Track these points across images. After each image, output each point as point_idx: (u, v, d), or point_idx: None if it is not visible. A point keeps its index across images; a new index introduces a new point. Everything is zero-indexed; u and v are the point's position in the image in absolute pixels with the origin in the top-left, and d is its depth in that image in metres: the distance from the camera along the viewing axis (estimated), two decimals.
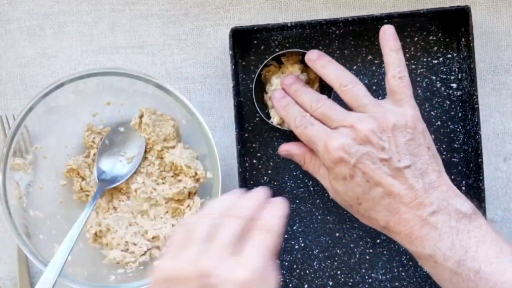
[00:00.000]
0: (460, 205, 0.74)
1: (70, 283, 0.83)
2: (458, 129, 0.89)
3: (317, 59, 0.83)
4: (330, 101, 0.81)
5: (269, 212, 0.65)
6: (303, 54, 0.85)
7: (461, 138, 0.89)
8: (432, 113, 0.89)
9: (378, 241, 0.89)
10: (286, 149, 0.85)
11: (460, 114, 0.89)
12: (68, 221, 0.87)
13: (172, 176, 0.88)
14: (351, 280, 0.89)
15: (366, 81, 0.89)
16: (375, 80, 0.89)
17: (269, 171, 0.90)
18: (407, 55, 0.89)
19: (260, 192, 0.67)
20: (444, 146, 0.89)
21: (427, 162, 0.76)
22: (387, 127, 0.76)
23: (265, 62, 0.87)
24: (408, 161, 0.75)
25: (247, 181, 0.89)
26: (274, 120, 0.87)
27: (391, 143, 0.75)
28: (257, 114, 0.88)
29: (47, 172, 0.88)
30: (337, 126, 0.77)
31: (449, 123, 0.89)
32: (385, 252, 0.89)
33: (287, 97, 0.83)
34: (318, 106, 0.80)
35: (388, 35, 0.80)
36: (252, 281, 0.59)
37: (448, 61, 0.89)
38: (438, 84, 0.89)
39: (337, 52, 0.89)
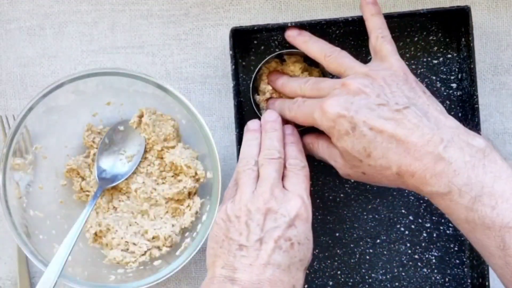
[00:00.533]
0: (472, 139, 0.72)
1: (70, 283, 0.83)
2: None
3: (298, 35, 0.85)
4: (317, 78, 0.83)
5: (293, 149, 0.81)
6: (304, 55, 0.85)
7: None
8: None
9: (378, 241, 0.89)
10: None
11: (460, 114, 0.89)
12: (68, 221, 0.87)
13: (172, 176, 0.88)
14: (351, 280, 0.89)
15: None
16: None
17: None
18: (407, 55, 0.89)
19: (276, 128, 0.81)
20: None
21: (426, 103, 0.76)
22: (377, 77, 0.76)
23: (264, 61, 0.87)
24: (406, 102, 0.74)
25: None
26: None
27: (385, 89, 0.75)
28: (259, 114, 0.88)
29: (47, 172, 0.88)
30: (329, 92, 0.78)
31: None
32: (385, 252, 0.89)
33: (277, 100, 0.86)
34: (307, 84, 0.82)
35: (367, 1, 0.82)
36: (302, 212, 0.74)
37: (448, 61, 0.89)
38: (438, 84, 0.89)
39: None
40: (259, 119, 0.86)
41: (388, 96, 0.75)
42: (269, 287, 0.71)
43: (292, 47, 0.87)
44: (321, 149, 0.82)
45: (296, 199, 0.75)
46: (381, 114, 0.73)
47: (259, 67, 0.87)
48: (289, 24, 0.85)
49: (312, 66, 0.88)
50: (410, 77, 0.78)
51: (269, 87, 0.87)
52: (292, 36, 0.85)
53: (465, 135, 0.72)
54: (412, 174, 0.72)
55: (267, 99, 0.88)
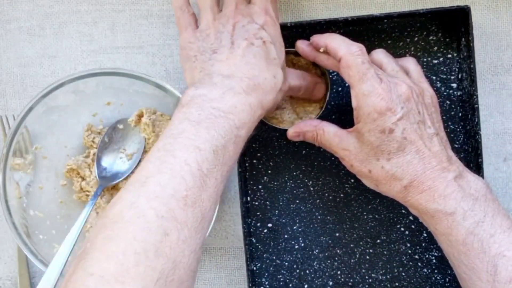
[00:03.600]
0: (474, 183, 0.77)
1: None
2: (458, 129, 0.89)
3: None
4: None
5: None
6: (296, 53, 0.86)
7: (461, 138, 0.89)
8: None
9: (378, 241, 0.89)
10: (297, 130, 0.84)
11: (460, 114, 0.89)
12: (68, 221, 0.87)
13: None
14: (351, 280, 0.89)
15: None
16: None
17: (269, 171, 0.90)
18: (407, 55, 0.89)
19: None
20: None
21: (445, 138, 0.81)
22: (420, 93, 0.79)
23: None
24: (436, 129, 0.78)
25: (247, 181, 0.89)
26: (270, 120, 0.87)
27: (423, 109, 0.78)
28: None
29: (47, 172, 0.88)
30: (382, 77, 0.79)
31: (449, 123, 0.89)
32: (385, 252, 0.89)
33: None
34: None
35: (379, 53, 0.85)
36: (268, 20, 0.80)
37: (448, 61, 0.89)
38: (438, 84, 0.89)
39: None
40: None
41: (425, 116, 0.78)
42: (247, 71, 0.76)
43: (291, 47, 0.87)
44: (327, 135, 0.82)
45: (259, 11, 0.80)
46: (417, 130, 0.77)
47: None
48: (289, 24, 0.85)
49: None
50: (438, 107, 0.82)
51: None
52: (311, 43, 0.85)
53: (470, 175, 0.78)
54: (422, 191, 0.77)
55: None
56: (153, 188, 0.66)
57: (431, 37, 0.89)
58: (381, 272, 0.89)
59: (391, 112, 0.76)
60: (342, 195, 0.89)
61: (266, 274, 0.90)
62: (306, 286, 0.89)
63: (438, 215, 0.76)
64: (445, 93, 0.89)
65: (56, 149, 0.88)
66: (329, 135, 0.82)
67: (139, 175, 0.68)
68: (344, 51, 0.78)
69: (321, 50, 0.81)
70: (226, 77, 0.75)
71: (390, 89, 0.77)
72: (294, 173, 0.90)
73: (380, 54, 0.83)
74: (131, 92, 0.86)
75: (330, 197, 0.90)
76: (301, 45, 0.84)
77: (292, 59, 0.87)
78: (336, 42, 0.80)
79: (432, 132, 0.78)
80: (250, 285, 0.87)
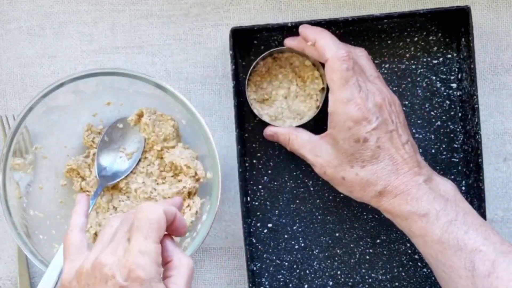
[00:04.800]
0: (443, 185, 0.80)
1: None
2: (458, 129, 0.89)
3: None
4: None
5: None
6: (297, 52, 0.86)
7: (461, 138, 0.89)
8: (432, 113, 0.89)
9: (378, 241, 0.89)
10: (272, 130, 0.86)
11: (460, 114, 0.89)
12: (68, 221, 0.87)
13: (172, 176, 0.88)
14: (351, 280, 0.89)
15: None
16: None
17: (269, 171, 0.90)
18: (407, 55, 0.89)
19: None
20: (444, 146, 0.89)
21: (414, 143, 0.82)
22: (393, 102, 0.81)
23: (260, 57, 0.87)
24: (406, 137, 0.81)
25: (247, 181, 0.89)
26: (265, 118, 0.87)
27: (396, 118, 0.80)
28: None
29: (47, 172, 0.88)
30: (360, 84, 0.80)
31: (449, 123, 0.89)
32: (385, 252, 0.89)
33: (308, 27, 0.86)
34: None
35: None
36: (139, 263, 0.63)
37: (448, 61, 0.89)
38: (438, 84, 0.89)
39: None
40: (259, 119, 0.86)
41: (397, 125, 0.80)
42: None
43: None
44: (299, 140, 0.84)
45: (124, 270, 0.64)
46: (391, 138, 0.79)
47: (255, 62, 0.87)
48: (289, 24, 0.85)
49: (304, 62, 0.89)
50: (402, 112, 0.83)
51: (263, 84, 0.88)
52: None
53: (438, 178, 0.81)
54: (395, 195, 0.79)
55: (263, 100, 0.88)
56: None
57: (431, 37, 0.89)
58: (381, 272, 0.89)
59: (366, 122, 0.78)
60: (342, 195, 0.89)
61: (266, 274, 0.90)
62: (306, 286, 0.89)
63: (412, 217, 0.78)
64: (445, 93, 0.89)
65: (56, 149, 0.88)
66: (302, 140, 0.84)
67: None
68: (332, 54, 0.79)
69: (309, 43, 0.82)
70: None
71: (367, 97, 0.78)
72: (294, 173, 0.90)
73: (362, 60, 0.83)
74: (131, 92, 0.86)
75: (330, 197, 0.90)
76: (289, 41, 0.85)
77: (288, 57, 0.88)
78: (325, 42, 0.80)
79: (404, 140, 0.80)
80: (250, 285, 0.87)
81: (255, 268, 0.89)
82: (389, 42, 0.89)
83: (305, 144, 0.83)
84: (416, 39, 0.89)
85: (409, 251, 0.89)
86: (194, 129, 0.84)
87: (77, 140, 0.89)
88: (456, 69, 0.89)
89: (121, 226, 0.67)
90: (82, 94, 0.85)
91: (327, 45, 0.80)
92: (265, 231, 0.90)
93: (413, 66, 0.89)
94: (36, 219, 0.86)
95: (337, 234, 0.90)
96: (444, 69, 0.89)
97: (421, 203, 0.78)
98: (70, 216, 0.87)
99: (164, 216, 0.65)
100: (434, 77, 0.89)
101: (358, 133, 0.78)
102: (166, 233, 0.67)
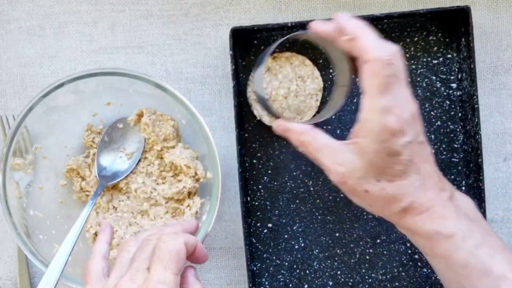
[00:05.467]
0: (465, 202, 0.75)
1: (70, 283, 0.83)
2: (458, 129, 0.89)
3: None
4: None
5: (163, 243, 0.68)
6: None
7: (461, 138, 0.89)
8: (432, 113, 0.89)
9: (378, 241, 0.89)
10: (286, 125, 0.77)
11: (460, 114, 0.89)
12: (68, 221, 0.87)
13: (172, 176, 0.88)
14: (351, 280, 0.89)
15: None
16: None
17: (269, 171, 0.90)
18: (407, 55, 0.89)
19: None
20: (444, 146, 0.89)
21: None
22: (418, 113, 0.72)
23: (275, 45, 0.82)
24: (430, 148, 0.74)
25: (247, 181, 0.89)
26: (264, 120, 0.87)
27: (422, 127, 0.73)
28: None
29: (47, 172, 0.88)
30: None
31: (449, 123, 0.89)
32: (385, 252, 0.89)
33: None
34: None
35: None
36: None
37: (448, 61, 0.89)
38: (438, 84, 0.89)
39: None
40: (254, 117, 0.86)
41: (424, 136, 0.73)
42: None
43: (291, 47, 0.87)
44: (317, 144, 0.75)
45: None
46: (419, 151, 0.72)
47: (270, 51, 0.81)
48: (289, 24, 0.85)
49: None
50: None
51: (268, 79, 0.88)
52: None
53: (457, 192, 0.75)
54: (420, 212, 0.72)
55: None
56: None
57: (431, 37, 0.89)
58: (381, 272, 0.89)
59: (402, 134, 0.70)
60: (342, 195, 0.89)
61: (266, 274, 0.90)
62: (306, 286, 0.89)
63: (436, 237, 0.72)
64: (445, 93, 0.89)
65: (56, 149, 0.88)
66: (320, 144, 0.74)
67: None
68: (374, 56, 0.69)
69: (346, 38, 0.72)
70: None
71: (404, 107, 0.70)
72: (294, 173, 0.90)
73: (400, 62, 0.71)
74: (131, 92, 0.86)
75: (330, 197, 0.90)
76: (318, 26, 0.75)
77: (288, 57, 0.88)
78: (368, 41, 0.70)
79: (429, 151, 0.74)
80: (250, 285, 0.87)
81: (255, 268, 0.90)
82: None
83: (323, 149, 0.74)
84: (416, 39, 0.89)
85: (409, 251, 0.89)
86: (194, 129, 0.84)
87: (77, 140, 0.89)
88: (456, 69, 0.89)
89: (140, 253, 0.67)
90: (82, 94, 0.85)
91: (370, 45, 0.70)
92: (265, 231, 0.90)
93: (413, 66, 0.89)
94: (36, 219, 0.86)
95: (337, 234, 0.90)
96: (444, 69, 0.89)
97: (447, 222, 0.72)
98: (70, 216, 0.88)
99: (185, 248, 0.66)
100: (434, 77, 0.89)
101: (392, 146, 0.70)
102: (188, 264, 0.68)
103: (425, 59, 0.89)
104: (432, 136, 0.89)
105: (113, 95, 0.87)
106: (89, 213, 0.84)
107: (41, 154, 0.87)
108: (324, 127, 0.87)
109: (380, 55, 0.69)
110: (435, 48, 0.89)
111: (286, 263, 0.90)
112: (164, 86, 0.83)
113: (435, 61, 0.89)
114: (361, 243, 0.90)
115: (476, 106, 0.85)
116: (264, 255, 0.90)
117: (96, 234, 0.88)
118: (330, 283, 0.89)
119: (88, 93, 0.86)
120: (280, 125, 0.78)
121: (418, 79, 0.89)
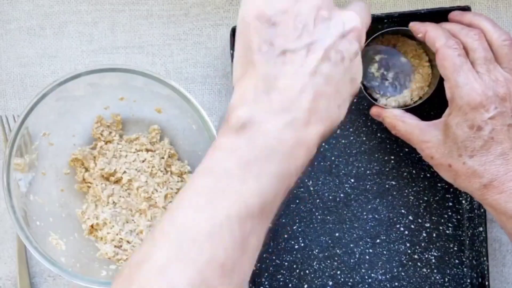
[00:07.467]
0: None
1: (61, 273, 0.82)
2: None
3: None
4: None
5: None
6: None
7: None
8: (431, 113, 0.89)
9: (378, 241, 0.89)
10: (378, 110, 0.86)
11: None
12: (66, 209, 0.87)
13: (177, 181, 0.89)
14: (351, 280, 0.89)
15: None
16: None
17: None
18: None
19: None
20: None
21: None
22: (506, 95, 0.78)
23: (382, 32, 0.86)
24: None
25: None
26: None
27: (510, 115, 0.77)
28: None
29: (51, 159, 0.87)
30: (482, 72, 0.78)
31: None
32: (385, 252, 0.89)
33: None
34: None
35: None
36: (358, 26, 0.66)
37: None
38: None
39: None
40: None
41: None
42: (312, 97, 0.60)
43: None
44: (407, 127, 0.82)
45: (353, 14, 0.66)
46: (506, 132, 0.77)
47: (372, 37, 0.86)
48: None
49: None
50: None
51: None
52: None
53: None
54: (501, 191, 0.76)
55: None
56: (187, 248, 0.56)
57: None
58: (380, 272, 0.89)
59: (484, 109, 0.76)
60: (342, 195, 0.89)
61: (266, 274, 0.90)
62: (306, 286, 0.89)
63: None
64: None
65: (64, 137, 0.87)
66: (409, 126, 0.82)
67: (169, 223, 0.58)
68: (442, 43, 0.78)
69: (419, 35, 0.82)
70: (289, 100, 0.61)
71: (488, 85, 0.76)
72: None
73: (503, 50, 0.80)
74: (146, 90, 0.85)
75: (330, 197, 0.90)
76: (417, 26, 0.83)
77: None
78: (436, 33, 0.80)
79: None
80: (250, 285, 0.87)
81: (255, 268, 0.89)
82: None
83: (413, 130, 0.82)
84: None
85: (409, 251, 0.89)
86: (204, 136, 0.83)
87: (85, 131, 0.89)
88: None
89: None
90: (97, 87, 0.84)
91: (437, 35, 0.79)
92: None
93: None
94: (35, 204, 0.85)
95: (336, 234, 0.90)
96: None
97: None
98: (68, 205, 0.87)
99: None
100: None
101: (473, 119, 0.76)
102: None
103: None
104: None
105: (127, 91, 0.86)
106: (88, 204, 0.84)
107: (48, 140, 0.86)
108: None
109: (447, 42, 0.78)
110: None
111: (286, 263, 0.90)
112: (181, 90, 0.80)
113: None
114: (360, 243, 0.90)
115: None
116: (264, 255, 0.90)
117: (92, 226, 0.87)
118: (330, 283, 0.89)
119: (103, 86, 0.85)
120: (376, 111, 0.86)
121: None
